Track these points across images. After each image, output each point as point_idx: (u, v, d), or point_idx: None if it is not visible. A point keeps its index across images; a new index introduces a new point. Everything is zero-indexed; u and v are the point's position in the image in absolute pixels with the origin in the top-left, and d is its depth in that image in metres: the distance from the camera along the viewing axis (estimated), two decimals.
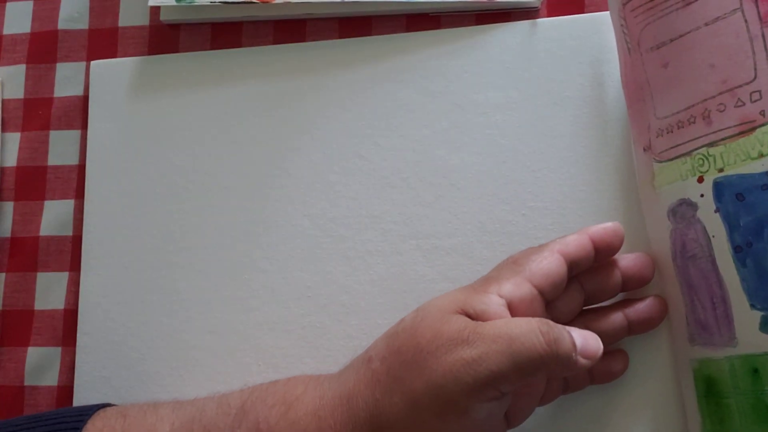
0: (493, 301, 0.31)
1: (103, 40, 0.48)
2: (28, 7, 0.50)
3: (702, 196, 0.33)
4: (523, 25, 0.43)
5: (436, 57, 0.43)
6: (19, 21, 0.50)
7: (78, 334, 0.44)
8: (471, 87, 0.43)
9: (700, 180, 0.33)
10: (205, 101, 0.46)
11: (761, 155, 0.31)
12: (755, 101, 0.31)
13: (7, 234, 0.47)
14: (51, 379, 0.45)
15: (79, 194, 0.47)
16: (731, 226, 0.31)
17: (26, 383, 0.45)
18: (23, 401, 0.44)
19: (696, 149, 0.33)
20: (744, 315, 0.31)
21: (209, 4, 0.45)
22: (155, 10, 0.48)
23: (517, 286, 0.32)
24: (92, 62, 0.48)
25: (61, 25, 0.49)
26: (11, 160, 0.48)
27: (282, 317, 0.42)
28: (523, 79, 0.42)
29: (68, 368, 0.45)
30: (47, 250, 0.46)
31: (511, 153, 0.41)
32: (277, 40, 0.46)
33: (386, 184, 0.43)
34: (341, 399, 0.31)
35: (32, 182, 0.47)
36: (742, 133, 0.31)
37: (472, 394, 0.28)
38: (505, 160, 0.41)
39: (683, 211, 0.34)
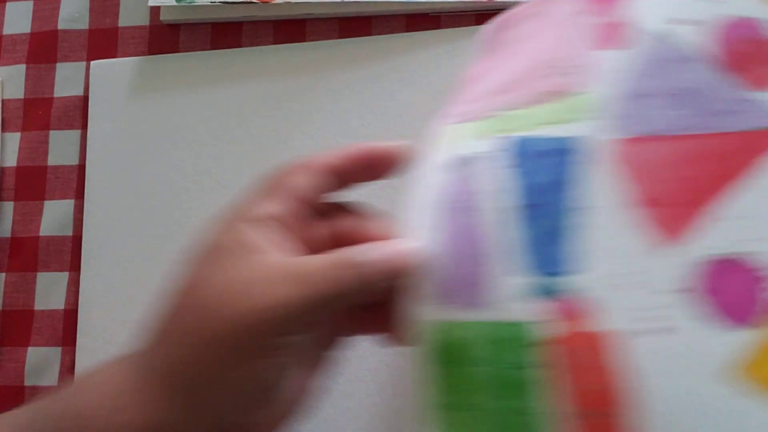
0: (266, 235, 0.30)
1: (103, 40, 0.48)
2: (28, 7, 0.50)
3: (494, 152, 0.31)
4: None
5: (436, 57, 0.43)
6: (19, 21, 0.50)
7: (78, 334, 0.44)
8: None
9: (495, 138, 0.31)
10: (205, 101, 0.46)
11: (570, 121, 0.30)
12: (564, 75, 0.31)
13: (7, 234, 0.47)
14: (51, 379, 0.45)
15: (79, 194, 0.47)
16: (517, 186, 0.30)
17: (26, 383, 0.45)
18: (23, 401, 0.44)
19: (498, 111, 0.32)
20: (514, 278, 0.28)
21: (209, 4, 0.45)
22: (155, 10, 0.48)
23: (276, 204, 0.31)
24: (92, 62, 0.48)
25: (61, 25, 0.49)
26: (11, 160, 0.48)
27: None
28: None
29: (68, 368, 0.45)
30: (47, 250, 0.46)
31: None
32: (277, 40, 0.46)
33: (386, 184, 0.43)
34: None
35: (32, 182, 0.47)
36: (547, 100, 0.31)
37: (282, 332, 0.28)
38: None
39: (465, 164, 0.32)
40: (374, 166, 0.33)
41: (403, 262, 0.29)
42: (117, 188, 0.46)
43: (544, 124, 0.30)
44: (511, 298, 0.28)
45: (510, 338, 0.28)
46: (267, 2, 0.45)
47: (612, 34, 0.31)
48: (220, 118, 0.45)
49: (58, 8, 0.49)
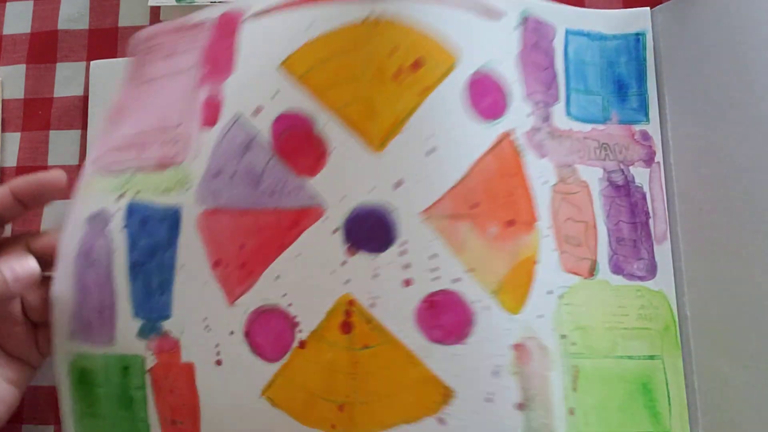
0: None
1: (103, 40, 0.48)
2: (28, 7, 0.50)
3: (117, 211, 0.39)
4: None
5: None
6: (19, 21, 0.50)
7: None
8: None
9: (120, 198, 0.39)
10: None
11: (166, 191, 0.38)
12: (174, 144, 0.38)
13: (8, 234, 0.47)
14: (51, 379, 0.45)
15: None
16: (131, 245, 0.38)
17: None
18: (23, 401, 0.44)
19: (127, 169, 0.40)
20: (127, 321, 0.38)
21: (209, 4, 0.45)
22: (155, 10, 0.48)
23: None
24: (92, 62, 0.48)
25: (61, 25, 0.49)
26: (11, 160, 0.48)
27: None
28: None
29: None
30: None
31: None
32: None
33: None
34: None
35: None
36: (159, 167, 0.39)
37: None
38: None
39: (99, 221, 0.39)
40: (28, 201, 0.39)
41: (22, 280, 0.36)
42: None
43: (152, 191, 0.38)
44: (126, 336, 0.38)
45: (124, 366, 0.38)
46: None
47: (210, 111, 0.38)
48: None
49: (58, 8, 0.49)
